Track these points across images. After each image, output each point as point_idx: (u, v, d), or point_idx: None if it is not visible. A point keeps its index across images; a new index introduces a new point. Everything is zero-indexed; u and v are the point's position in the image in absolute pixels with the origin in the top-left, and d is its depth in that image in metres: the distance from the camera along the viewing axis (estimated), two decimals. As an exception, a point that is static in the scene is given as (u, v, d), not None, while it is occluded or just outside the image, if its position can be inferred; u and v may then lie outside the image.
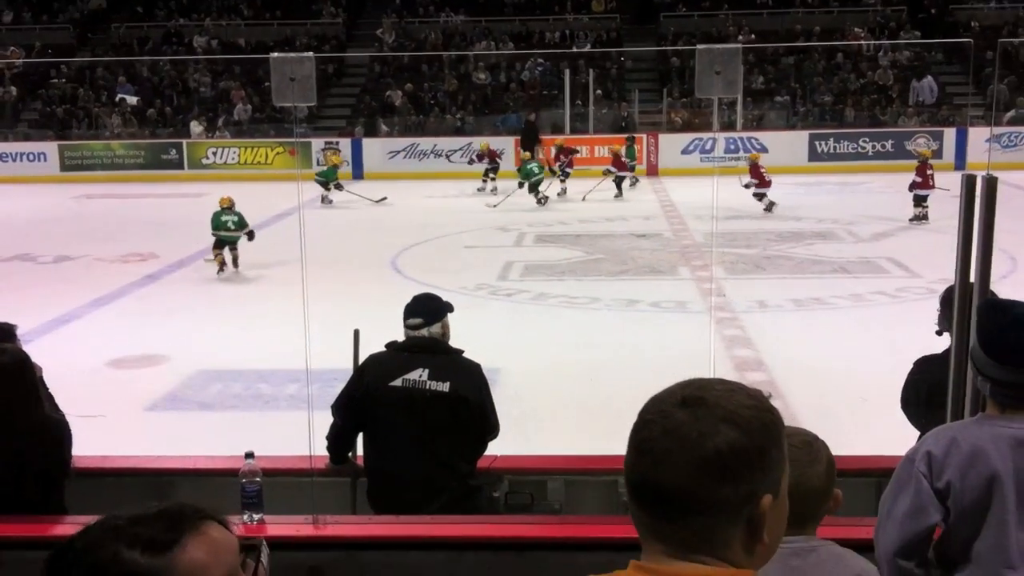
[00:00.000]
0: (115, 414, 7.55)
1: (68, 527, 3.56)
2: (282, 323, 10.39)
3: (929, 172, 16.07)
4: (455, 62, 29.01)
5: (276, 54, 3.94)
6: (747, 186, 17.38)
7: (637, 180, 22.19)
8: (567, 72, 25.74)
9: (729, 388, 1.34)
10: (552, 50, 28.64)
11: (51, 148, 24.85)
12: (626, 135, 23.53)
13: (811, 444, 2.27)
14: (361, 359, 4.38)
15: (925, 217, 15.83)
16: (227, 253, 13.23)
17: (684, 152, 24.68)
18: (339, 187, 20.08)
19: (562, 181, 20.52)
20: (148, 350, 9.61)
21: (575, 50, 28.58)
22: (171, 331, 10.32)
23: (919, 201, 15.98)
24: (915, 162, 17.13)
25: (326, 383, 8.07)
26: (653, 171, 24.34)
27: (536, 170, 19.89)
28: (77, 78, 28.91)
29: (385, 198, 19.72)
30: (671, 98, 26.65)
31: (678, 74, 27.88)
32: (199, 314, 11.16)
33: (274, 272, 12.99)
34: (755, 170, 17.49)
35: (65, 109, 27.54)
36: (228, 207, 13.39)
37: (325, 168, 20.84)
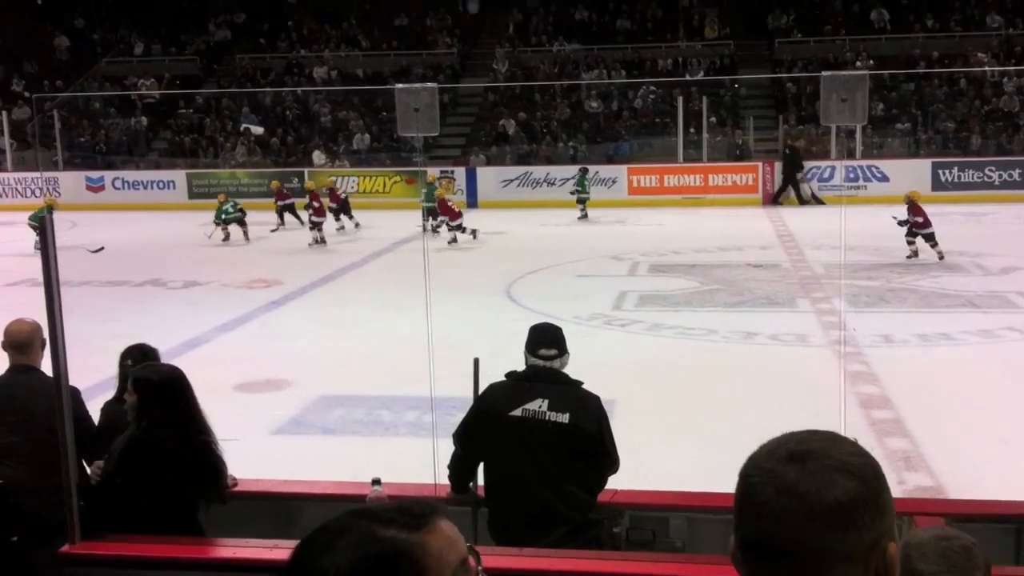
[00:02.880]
0: (242, 437, 7.78)
1: (208, 548, 3.71)
2: (401, 349, 10.61)
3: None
4: (567, 91, 29.19)
5: (400, 85, 4.05)
6: (904, 223, 15.45)
7: (586, 214, 22.25)
8: (680, 99, 25.63)
9: (829, 438, 1.34)
10: (665, 78, 28.57)
11: (180, 176, 25.87)
12: (579, 166, 23.95)
13: (970, 550, 2.22)
14: (480, 387, 4.43)
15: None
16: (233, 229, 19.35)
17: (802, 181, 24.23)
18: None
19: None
20: (272, 375, 9.89)
21: (688, 77, 28.45)
22: (294, 356, 10.59)
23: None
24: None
25: (445, 411, 8.17)
26: (769, 199, 23.99)
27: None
28: (204, 108, 30.07)
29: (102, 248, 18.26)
30: (787, 125, 26.26)
31: (794, 101, 27.48)
32: (321, 340, 11.42)
33: (392, 298, 13.25)
34: (915, 208, 15.45)
35: (192, 139, 28.67)
36: (224, 200, 19.86)
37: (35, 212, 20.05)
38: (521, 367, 4.29)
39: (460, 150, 27.39)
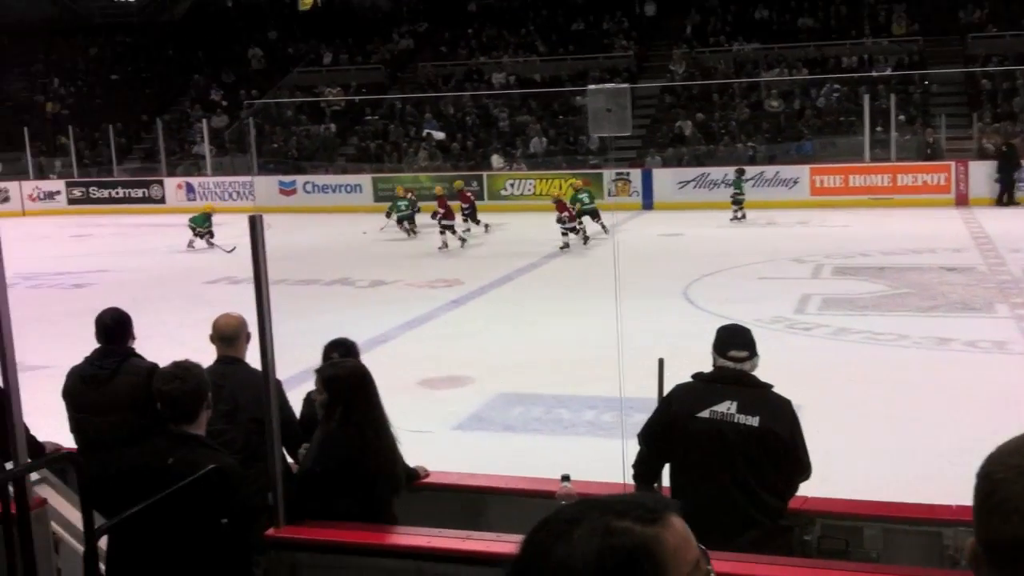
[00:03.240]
0: (427, 432, 8.00)
1: (404, 536, 3.84)
2: (578, 349, 10.67)
3: None
4: (747, 90, 28.63)
5: (593, 86, 4.06)
6: None
7: (743, 215, 21.53)
8: (866, 97, 24.72)
9: None
10: (849, 75, 27.61)
11: (366, 180, 26.81)
12: (735, 167, 23.03)
13: None
14: (665, 388, 4.40)
15: None
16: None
17: (998, 180, 22.91)
18: (208, 235, 20.48)
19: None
20: (454, 371, 10.12)
21: (875, 74, 27.39)
22: (475, 354, 10.81)
23: None
24: None
25: (623, 411, 8.18)
26: (963, 200, 22.82)
27: (587, 200, 19.80)
28: (388, 115, 31.06)
29: (235, 248, 18.17)
30: (982, 123, 24.89)
31: (989, 97, 26.03)
32: (501, 338, 11.62)
33: (569, 298, 13.34)
34: None
35: (378, 144, 29.67)
36: (401, 196, 21.51)
37: (197, 215, 21.16)
38: (699, 369, 4.23)
39: (636, 152, 27.27)
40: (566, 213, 18.68)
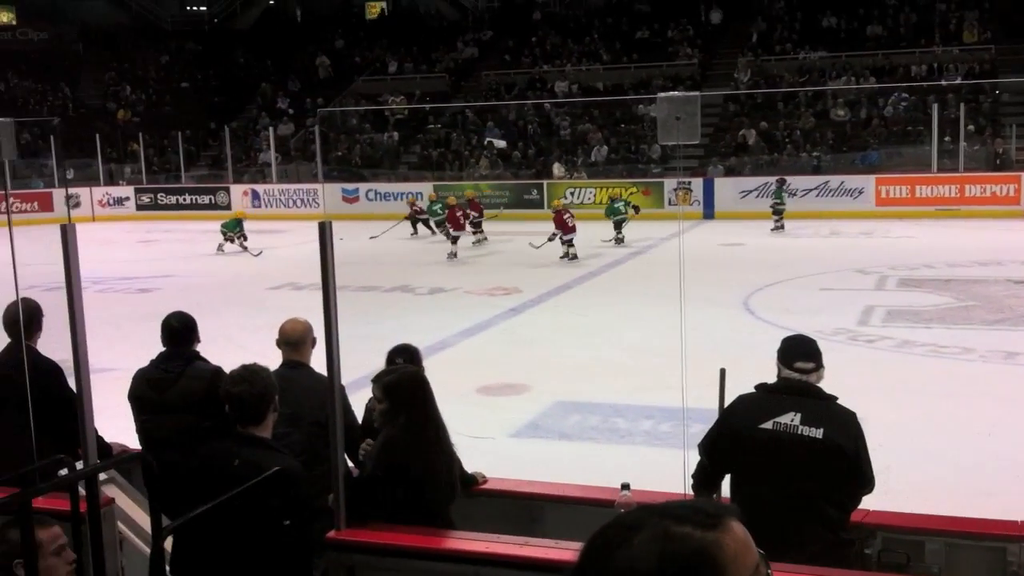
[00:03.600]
0: (488, 438, 8.05)
1: (458, 541, 3.88)
2: (635, 358, 10.65)
3: None
4: (812, 99, 28.32)
5: (662, 94, 4.06)
6: None
7: (782, 225, 21.57)
8: (935, 107, 24.30)
9: None
10: (918, 83, 27.16)
11: (427, 188, 26.97)
12: (776, 177, 23.23)
13: None
14: (727, 399, 4.38)
15: None
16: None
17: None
18: (240, 238, 21.24)
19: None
20: (512, 379, 10.16)
21: (944, 83, 26.91)
22: (532, 362, 10.84)
23: None
24: None
25: (680, 421, 8.14)
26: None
27: (622, 209, 20.59)
28: (450, 123, 31.27)
29: (261, 252, 20.66)
30: (1056, 133, 24.34)
31: (1065, 106, 25.45)
32: (558, 346, 11.63)
33: (628, 307, 13.31)
34: None
35: (440, 152, 29.88)
36: (434, 200, 22.76)
37: (228, 220, 22.00)
38: (759, 380, 4.21)
39: (698, 161, 27.12)
40: (560, 230, 18.59)
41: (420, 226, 23.50)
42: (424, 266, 18.54)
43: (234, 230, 21.37)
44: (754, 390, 4.20)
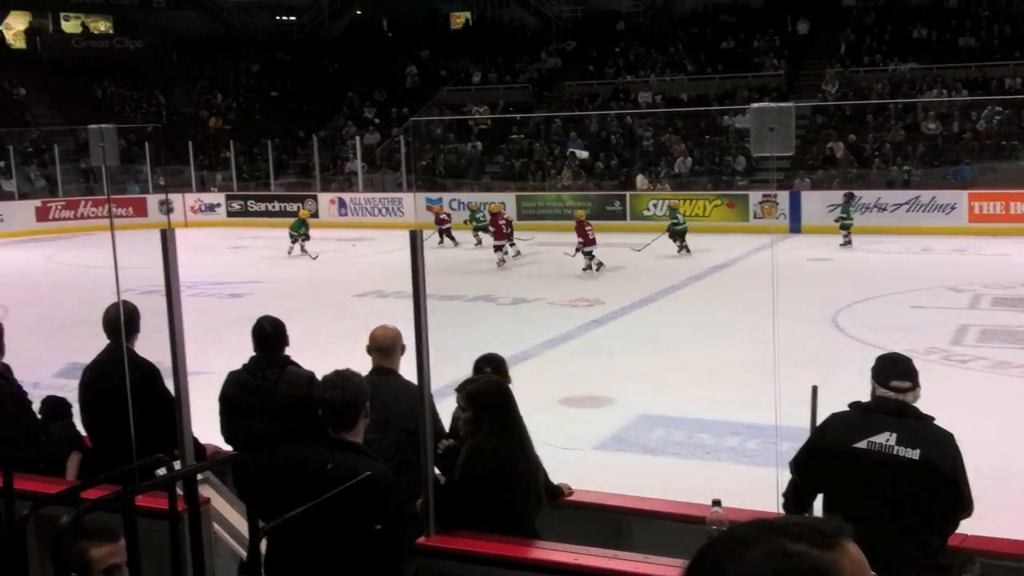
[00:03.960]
0: (567, 450, 8.03)
1: (546, 552, 3.87)
2: (723, 373, 10.53)
3: None
4: (902, 111, 27.71)
5: (756, 104, 4.02)
6: None
7: (849, 241, 21.24)
8: (1032, 120, 23.60)
9: None
10: (1013, 96, 26.39)
11: (510, 198, 27.04)
12: (844, 191, 22.82)
13: None
14: (819, 417, 4.30)
15: None
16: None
17: None
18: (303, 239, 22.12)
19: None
20: (595, 391, 10.13)
21: (1040, 96, 26.13)
22: (615, 374, 10.79)
23: None
24: None
25: (768, 438, 8.02)
26: None
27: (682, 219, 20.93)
28: (533, 133, 31.36)
29: (318, 256, 21.47)
30: None
31: None
32: (642, 359, 11.56)
33: (712, 321, 13.17)
34: None
35: (522, 163, 29.96)
36: (476, 209, 23.39)
37: (295, 221, 23.02)
38: (851, 399, 4.12)
39: (784, 174, 26.73)
40: (581, 239, 18.51)
41: (447, 236, 23.56)
42: (507, 277, 18.59)
43: (299, 230, 22.17)
44: (848, 408, 4.12)
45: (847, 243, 21.15)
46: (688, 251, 20.47)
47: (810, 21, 32.20)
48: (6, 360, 5.51)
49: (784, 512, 4.25)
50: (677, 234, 20.58)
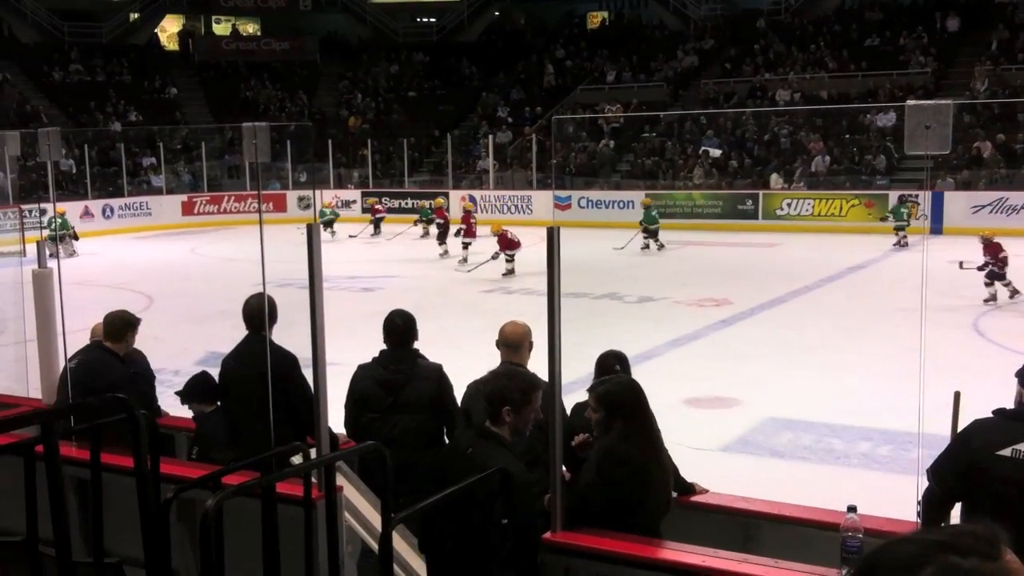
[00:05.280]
0: (692, 451, 7.96)
1: (674, 553, 3.87)
2: (852, 378, 10.26)
3: None
4: (1057, 110, 26.41)
5: (912, 101, 3.87)
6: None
7: (902, 242, 20.87)
8: None
9: None
10: None
11: (638, 197, 26.90)
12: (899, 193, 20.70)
13: None
14: (961, 423, 4.17)
15: None
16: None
17: None
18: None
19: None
20: (721, 392, 10.01)
21: None
22: (743, 376, 10.64)
23: None
24: None
25: (900, 445, 7.81)
26: None
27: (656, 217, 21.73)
28: (666, 132, 31.08)
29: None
30: None
31: None
32: (771, 361, 11.36)
33: (844, 324, 12.84)
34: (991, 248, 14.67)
35: (654, 161, 29.74)
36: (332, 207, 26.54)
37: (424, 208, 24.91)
38: (994, 406, 3.98)
39: (927, 173, 25.77)
40: (507, 248, 18.43)
41: (436, 234, 23.44)
42: (633, 275, 18.50)
43: (427, 216, 23.72)
44: (992, 415, 3.98)
45: (901, 244, 21.05)
46: (662, 246, 21.66)
47: (961, 18, 30.96)
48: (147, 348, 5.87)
49: (921, 521, 4.14)
50: (651, 232, 21.60)
